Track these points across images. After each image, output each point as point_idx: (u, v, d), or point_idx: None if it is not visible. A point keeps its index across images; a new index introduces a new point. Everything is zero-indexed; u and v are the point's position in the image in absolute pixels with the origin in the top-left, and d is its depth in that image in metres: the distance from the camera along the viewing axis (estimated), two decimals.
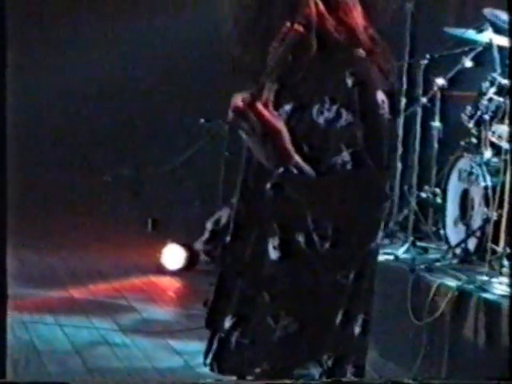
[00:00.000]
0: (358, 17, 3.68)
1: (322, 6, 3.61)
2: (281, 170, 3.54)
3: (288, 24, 3.65)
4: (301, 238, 3.55)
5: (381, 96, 3.55)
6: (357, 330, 3.75)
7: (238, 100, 3.50)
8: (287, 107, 3.61)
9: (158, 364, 7.31)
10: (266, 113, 3.47)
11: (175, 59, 12.37)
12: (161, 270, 9.76)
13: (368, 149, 3.48)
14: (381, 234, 3.80)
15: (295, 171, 3.51)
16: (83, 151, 12.88)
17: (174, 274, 9.63)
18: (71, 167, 12.59)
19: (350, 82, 3.52)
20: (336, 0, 3.66)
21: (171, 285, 9.46)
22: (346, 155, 3.46)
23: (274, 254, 3.59)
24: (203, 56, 10.15)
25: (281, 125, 3.51)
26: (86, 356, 7.48)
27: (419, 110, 8.47)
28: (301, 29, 3.62)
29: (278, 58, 3.67)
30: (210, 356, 3.80)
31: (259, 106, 3.46)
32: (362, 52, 3.62)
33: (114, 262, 10.34)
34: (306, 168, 3.50)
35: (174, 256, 9.66)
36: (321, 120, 3.53)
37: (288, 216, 3.60)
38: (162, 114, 12.27)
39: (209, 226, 3.81)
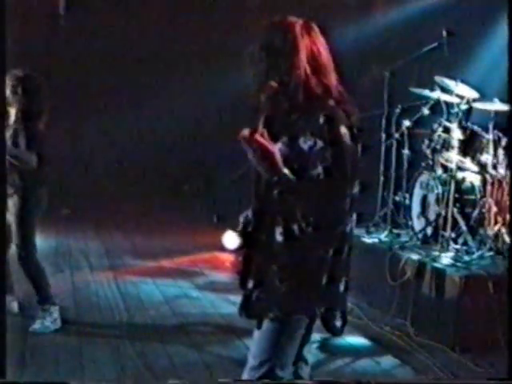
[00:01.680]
0: (332, 79, 3.69)
1: (308, 70, 3.63)
2: (275, 178, 3.55)
3: (272, 82, 3.64)
4: (295, 227, 3.56)
5: (343, 130, 3.54)
6: (341, 288, 3.72)
7: (244, 133, 3.50)
8: (284, 139, 3.60)
9: (220, 311, 7.38)
10: (262, 140, 3.47)
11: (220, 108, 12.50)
12: (222, 249, 9.73)
13: (334, 164, 3.48)
14: (350, 222, 3.70)
15: (284, 180, 3.52)
16: (172, 169, 13.14)
17: (230, 251, 9.37)
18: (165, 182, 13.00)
19: (322, 120, 3.53)
20: (319, 66, 3.67)
21: (229, 258, 9.26)
22: (320, 169, 3.49)
23: (279, 238, 3.61)
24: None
25: (273, 148, 3.50)
26: (173, 305, 7.57)
27: (394, 142, 8.38)
28: (275, 85, 3.64)
29: (263, 105, 3.66)
30: (240, 306, 3.78)
31: (257, 136, 3.47)
32: (332, 101, 3.64)
33: (192, 243, 10.39)
34: (291, 177, 3.50)
35: (230, 239, 9.59)
36: (305, 146, 3.55)
37: (287, 212, 3.59)
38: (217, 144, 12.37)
39: (241, 219, 3.79)
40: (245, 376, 3.73)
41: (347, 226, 3.69)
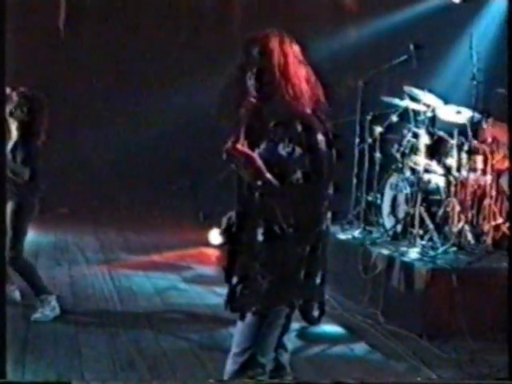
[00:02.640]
0: (307, 88, 3.68)
1: (285, 82, 3.60)
2: (259, 183, 3.54)
3: (251, 98, 3.66)
4: (275, 227, 3.56)
5: (320, 137, 3.55)
6: (317, 281, 3.72)
7: (228, 145, 3.50)
8: (264, 146, 3.61)
9: (207, 302, 7.37)
10: (244, 150, 3.49)
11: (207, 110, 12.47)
12: (208, 244, 9.65)
13: (312, 170, 3.49)
14: (326, 221, 3.69)
15: (268, 185, 3.52)
16: (161, 170, 13.16)
17: (216, 247, 9.47)
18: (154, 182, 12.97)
19: (299, 128, 3.54)
20: (295, 77, 3.66)
21: (214, 253, 9.39)
22: (299, 174, 3.49)
23: (260, 238, 3.60)
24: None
25: (253, 155, 3.52)
26: (163, 296, 7.58)
27: (366, 146, 8.39)
28: (254, 101, 3.65)
29: (243, 118, 3.63)
30: (225, 300, 3.78)
31: (239, 146, 3.49)
32: (308, 110, 3.64)
33: (179, 240, 10.39)
34: (274, 182, 3.51)
35: (216, 236, 9.45)
36: (284, 153, 3.54)
37: (268, 214, 3.58)
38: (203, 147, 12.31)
39: (224, 220, 3.79)
40: (229, 362, 3.73)
41: (323, 225, 3.69)
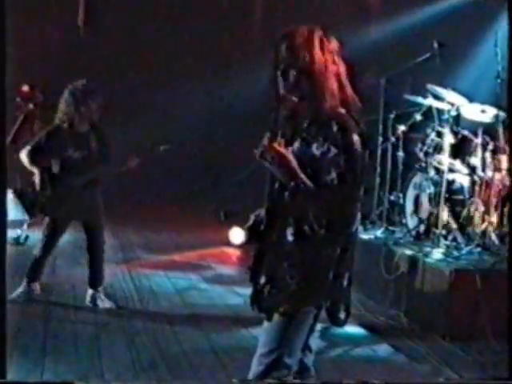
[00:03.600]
0: (347, 88, 3.66)
1: (326, 81, 3.57)
2: (292, 183, 3.52)
3: (292, 97, 3.61)
4: (306, 227, 3.52)
5: (355, 137, 3.51)
6: (345, 283, 3.71)
7: (264, 142, 3.49)
8: (297, 144, 3.56)
9: (227, 302, 7.39)
10: (280, 149, 3.45)
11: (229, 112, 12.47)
12: (229, 244, 9.73)
13: (347, 171, 3.45)
14: (357, 223, 3.69)
15: (302, 185, 3.49)
16: (182, 170, 13.17)
17: (236, 246, 9.60)
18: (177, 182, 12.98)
19: (335, 128, 3.49)
20: (336, 76, 3.62)
21: (235, 253, 9.45)
22: (333, 175, 3.45)
23: (290, 238, 3.56)
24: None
25: (289, 155, 3.47)
26: (183, 296, 7.59)
27: (390, 145, 8.44)
28: (295, 99, 3.61)
29: (283, 116, 3.64)
30: (251, 300, 3.76)
31: (276, 145, 3.45)
32: (342, 110, 3.59)
33: (200, 239, 10.40)
34: (308, 183, 3.47)
35: (236, 235, 9.64)
36: (318, 153, 3.49)
37: (298, 213, 3.55)
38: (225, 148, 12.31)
39: (252, 217, 3.74)
40: (255, 362, 3.71)
41: (354, 227, 3.68)
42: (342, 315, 3.76)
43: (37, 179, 6.80)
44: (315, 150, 3.52)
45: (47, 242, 7.02)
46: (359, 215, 3.73)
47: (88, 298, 7.03)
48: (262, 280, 3.70)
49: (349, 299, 3.82)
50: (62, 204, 6.85)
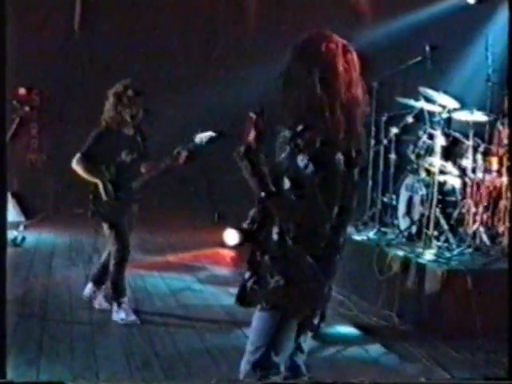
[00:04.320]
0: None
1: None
2: (262, 194, 3.47)
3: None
4: (287, 229, 3.49)
5: (339, 156, 3.40)
6: (325, 290, 3.66)
7: (240, 149, 3.45)
8: (287, 151, 3.47)
9: (221, 302, 7.39)
10: (252, 158, 3.42)
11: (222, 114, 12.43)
12: (223, 245, 9.87)
13: (323, 187, 3.37)
14: (343, 233, 3.62)
15: (270, 196, 3.44)
16: (176, 171, 13.06)
17: (231, 247, 9.76)
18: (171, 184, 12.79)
19: (317, 144, 3.38)
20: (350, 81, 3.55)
21: (229, 254, 9.43)
22: (308, 190, 3.38)
23: (275, 236, 3.54)
24: None
25: (260, 168, 3.43)
26: (178, 296, 7.63)
27: (382, 148, 8.48)
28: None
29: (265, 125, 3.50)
30: (236, 294, 3.75)
31: (251, 153, 3.42)
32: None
33: (194, 240, 10.43)
34: (275, 197, 3.43)
35: (230, 236, 9.78)
36: (301, 164, 3.37)
37: (282, 215, 3.50)
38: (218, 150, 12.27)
39: (251, 213, 3.71)
40: (244, 360, 3.73)
41: (341, 238, 3.63)
42: (316, 321, 3.74)
43: (100, 189, 6.57)
44: (300, 161, 3.42)
45: (123, 255, 6.88)
46: (348, 228, 3.68)
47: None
48: (246, 275, 3.71)
49: (325, 307, 3.80)
50: (125, 211, 6.75)
